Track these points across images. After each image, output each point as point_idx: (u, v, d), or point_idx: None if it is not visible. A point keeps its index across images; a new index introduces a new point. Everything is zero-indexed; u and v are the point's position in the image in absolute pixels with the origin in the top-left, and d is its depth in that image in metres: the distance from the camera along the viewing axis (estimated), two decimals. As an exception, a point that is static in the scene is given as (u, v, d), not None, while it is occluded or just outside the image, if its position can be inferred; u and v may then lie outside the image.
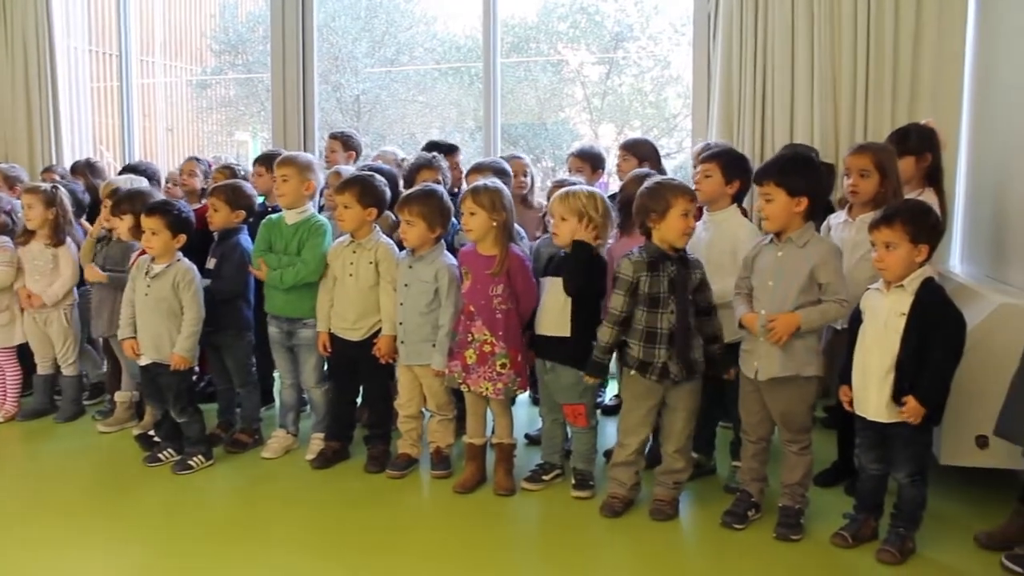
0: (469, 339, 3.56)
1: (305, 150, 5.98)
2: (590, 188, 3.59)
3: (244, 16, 12.29)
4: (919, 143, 3.69)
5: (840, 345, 3.22)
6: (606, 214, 3.47)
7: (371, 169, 4.11)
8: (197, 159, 5.27)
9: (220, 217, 4.12)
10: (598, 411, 3.77)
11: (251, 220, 4.23)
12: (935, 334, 2.89)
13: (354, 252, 3.85)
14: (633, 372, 3.32)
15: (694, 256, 3.35)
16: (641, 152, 4.58)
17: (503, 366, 3.54)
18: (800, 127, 4.83)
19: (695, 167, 3.87)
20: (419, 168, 4.33)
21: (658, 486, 3.41)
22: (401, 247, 3.83)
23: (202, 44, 12.65)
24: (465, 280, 3.62)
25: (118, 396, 4.51)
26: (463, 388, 3.62)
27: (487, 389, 3.56)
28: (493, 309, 3.53)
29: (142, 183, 4.66)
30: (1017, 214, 3.83)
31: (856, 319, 3.09)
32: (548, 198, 4.12)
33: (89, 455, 4.16)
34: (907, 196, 3.46)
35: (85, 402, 4.79)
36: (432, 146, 4.82)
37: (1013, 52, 4.07)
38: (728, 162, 3.62)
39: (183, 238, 3.89)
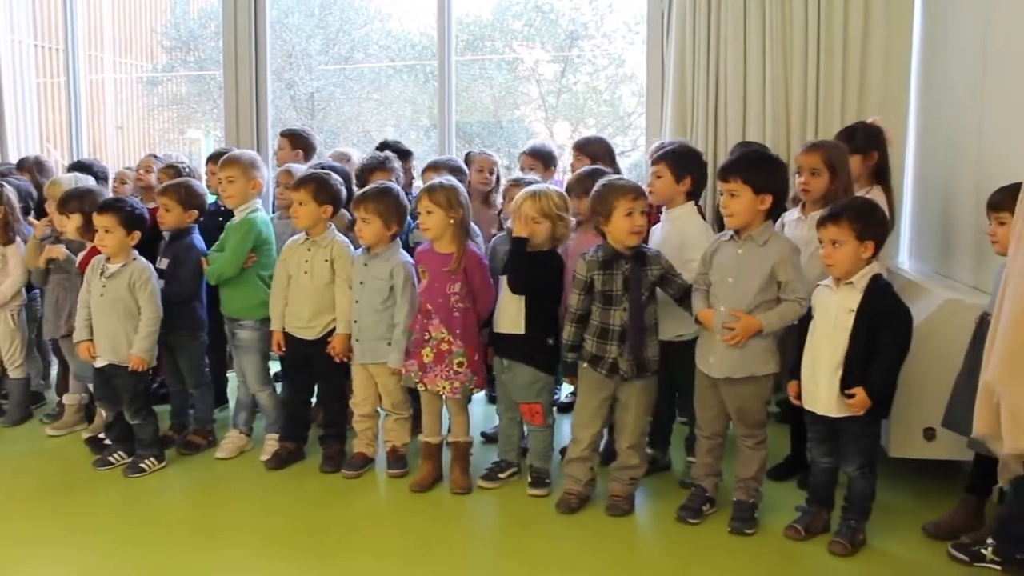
0: (426, 338, 3.55)
1: (258, 148, 5.92)
2: (558, 188, 3.59)
3: (196, 12, 12.14)
4: (866, 141, 3.74)
5: (791, 341, 3.26)
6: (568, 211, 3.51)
7: (325, 167, 4.09)
8: (156, 156, 5.19)
9: (172, 217, 4.05)
10: (555, 409, 3.77)
11: (201, 219, 4.18)
12: (883, 329, 2.94)
13: (309, 250, 3.82)
14: (586, 365, 3.35)
15: (654, 251, 3.35)
16: (593, 151, 4.58)
17: (460, 364, 3.53)
18: (752, 125, 4.88)
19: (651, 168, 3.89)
20: (373, 169, 4.31)
21: (614, 482, 3.43)
22: (357, 245, 3.81)
23: (152, 40, 12.47)
24: (422, 279, 3.61)
25: (67, 399, 4.42)
26: (419, 387, 3.61)
27: (444, 388, 3.55)
28: (450, 307, 3.52)
29: (88, 182, 4.56)
30: (963, 212, 3.90)
31: (806, 315, 3.13)
32: (503, 196, 4.13)
33: (38, 459, 4.07)
34: (856, 194, 3.51)
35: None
36: (384, 146, 4.81)
37: (957, 52, 4.15)
38: (676, 160, 3.62)
39: (137, 235, 3.80)
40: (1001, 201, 2.93)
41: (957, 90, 4.13)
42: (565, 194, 3.54)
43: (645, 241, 3.38)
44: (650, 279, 3.30)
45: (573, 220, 3.55)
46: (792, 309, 3.11)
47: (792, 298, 3.11)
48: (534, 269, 3.45)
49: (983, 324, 2.97)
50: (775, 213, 3.28)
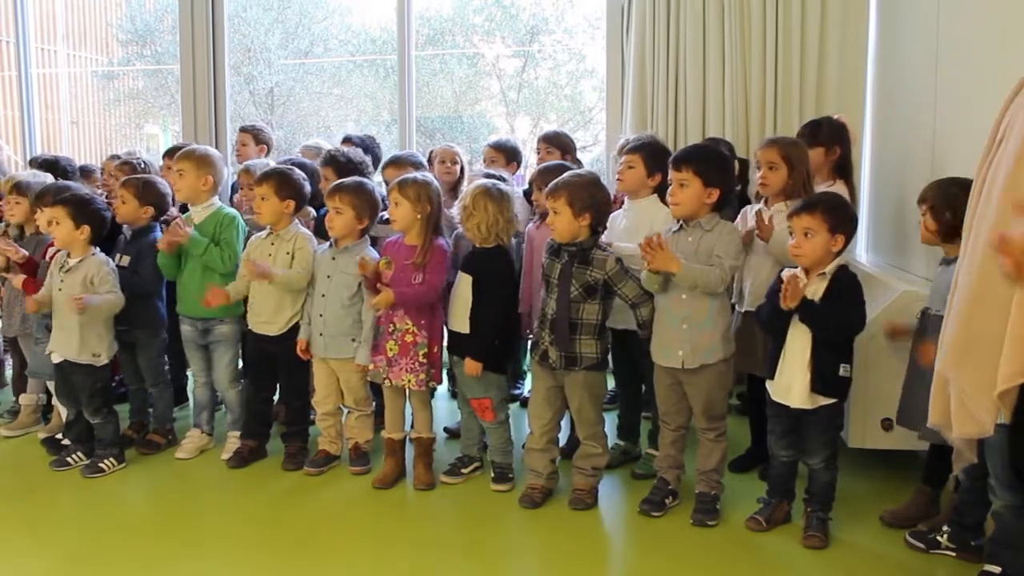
0: (391, 329, 3.54)
1: (216, 143, 5.86)
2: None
3: (152, 5, 11.94)
4: (829, 135, 3.77)
5: (750, 326, 3.28)
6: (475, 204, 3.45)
7: (291, 163, 4.07)
8: (118, 157, 5.11)
9: (127, 210, 3.97)
10: (516, 404, 3.77)
11: (163, 220, 4.12)
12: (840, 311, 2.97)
13: (272, 244, 3.80)
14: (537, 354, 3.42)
15: (605, 255, 3.30)
16: (562, 144, 4.66)
17: (425, 356, 3.53)
18: (712, 120, 4.92)
19: (619, 159, 3.89)
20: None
21: (577, 474, 3.44)
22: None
23: (108, 33, 12.25)
24: (387, 271, 3.59)
25: (23, 399, 4.35)
26: (385, 383, 3.59)
27: (409, 381, 3.53)
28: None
29: (47, 179, 4.47)
30: (916, 208, 3.95)
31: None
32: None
33: (-8, 460, 4.00)
34: (817, 187, 3.55)
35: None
36: (346, 142, 4.82)
37: (911, 51, 4.21)
38: (651, 154, 3.64)
39: (87, 230, 3.74)
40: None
41: (911, 87, 4.19)
42: (485, 190, 3.48)
43: (602, 230, 3.39)
44: (587, 279, 3.27)
45: (514, 213, 3.52)
46: (712, 274, 3.11)
47: (716, 263, 3.13)
48: (476, 268, 3.47)
49: (924, 318, 3.05)
50: (722, 209, 3.31)
